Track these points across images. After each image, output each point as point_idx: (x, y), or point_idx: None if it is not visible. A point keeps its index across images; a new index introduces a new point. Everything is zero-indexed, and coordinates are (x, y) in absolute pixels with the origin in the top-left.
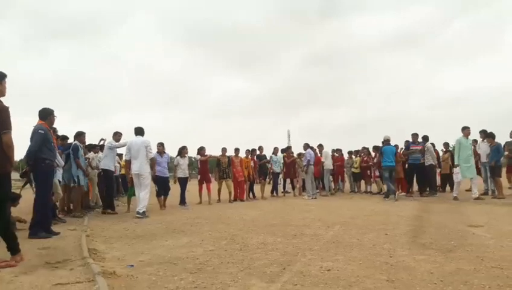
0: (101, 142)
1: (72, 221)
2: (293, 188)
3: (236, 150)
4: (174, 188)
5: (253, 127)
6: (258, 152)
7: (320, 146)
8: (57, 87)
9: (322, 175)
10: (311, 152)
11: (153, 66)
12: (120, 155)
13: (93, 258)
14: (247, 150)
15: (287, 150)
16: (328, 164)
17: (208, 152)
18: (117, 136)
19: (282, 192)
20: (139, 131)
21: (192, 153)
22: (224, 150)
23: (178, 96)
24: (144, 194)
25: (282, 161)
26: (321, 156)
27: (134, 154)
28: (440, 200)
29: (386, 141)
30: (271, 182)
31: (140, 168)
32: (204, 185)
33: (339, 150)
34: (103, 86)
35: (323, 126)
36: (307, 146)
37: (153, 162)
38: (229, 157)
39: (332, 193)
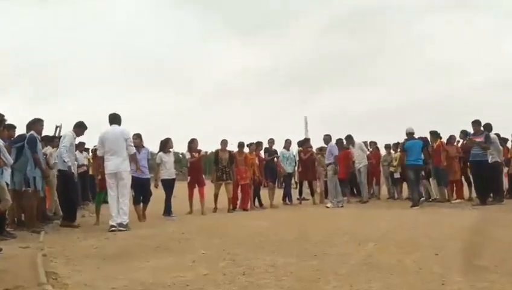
0: (57, 132)
1: (25, 236)
2: (312, 193)
3: (241, 145)
4: (157, 194)
5: (260, 114)
6: (266, 146)
7: (350, 138)
8: (3, 58)
9: (350, 177)
10: (335, 146)
11: (132, 33)
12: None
13: (53, 284)
14: (251, 144)
15: (304, 144)
16: (361, 159)
17: (201, 147)
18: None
19: (297, 199)
20: (115, 119)
21: (180, 147)
22: (224, 143)
23: (163, 72)
24: (125, 201)
25: (296, 158)
26: (348, 149)
27: (110, 148)
28: (508, 208)
29: (410, 134)
30: (282, 185)
31: (119, 166)
32: (196, 189)
33: (372, 143)
34: (67, 58)
35: (349, 111)
36: (329, 138)
37: (134, 159)
38: (230, 152)
39: (365, 201)
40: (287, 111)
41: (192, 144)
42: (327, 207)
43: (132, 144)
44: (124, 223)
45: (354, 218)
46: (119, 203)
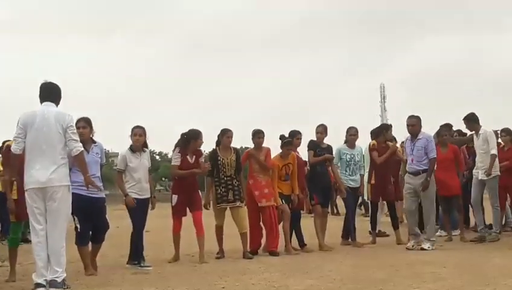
0: None
1: None
2: (395, 224)
3: (258, 135)
4: (117, 223)
5: (302, 80)
6: (311, 138)
7: (471, 121)
8: None
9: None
10: (432, 139)
11: None
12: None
13: None
14: (283, 137)
15: (380, 135)
16: (486, 162)
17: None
18: None
19: (369, 233)
20: (51, 92)
21: (164, 144)
22: (227, 135)
23: (131, 14)
24: (58, 238)
25: (366, 158)
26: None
27: (36, 145)
28: None
29: None
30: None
31: (50, 177)
32: (186, 218)
33: (506, 131)
34: None
35: (461, 72)
36: (418, 123)
37: (81, 164)
38: (237, 151)
39: (486, 238)
40: (350, 76)
41: (195, 139)
42: (423, 249)
43: (77, 138)
44: (58, 279)
45: (466, 270)
46: (49, 245)
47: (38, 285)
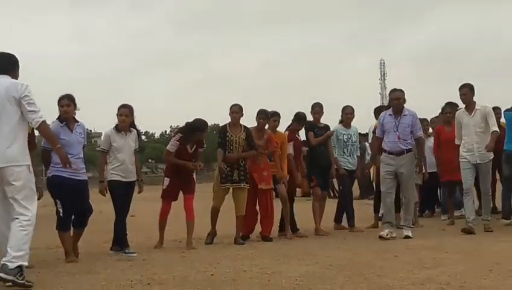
0: None
1: None
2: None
3: (263, 116)
4: (101, 207)
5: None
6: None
7: (473, 93)
8: None
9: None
10: (417, 115)
11: None
12: None
13: None
14: (274, 114)
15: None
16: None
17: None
18: None
19: (378, 218)
20: (2, 63)
21: (151, 124)
22: (236, 110)
23: None
24: (23, 222)
25: (367, 142)
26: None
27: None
28: None
29: None
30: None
31: (8, 155)
32: (176, 203)
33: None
34: None
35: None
36: (401, 98)
37: (45, 133)
38: (247, 129)
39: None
40: (348, 51)
41: (202, 132)
42: (407, 236)
43: (34, 108)
44: (11, 266)
45: (471, 256)
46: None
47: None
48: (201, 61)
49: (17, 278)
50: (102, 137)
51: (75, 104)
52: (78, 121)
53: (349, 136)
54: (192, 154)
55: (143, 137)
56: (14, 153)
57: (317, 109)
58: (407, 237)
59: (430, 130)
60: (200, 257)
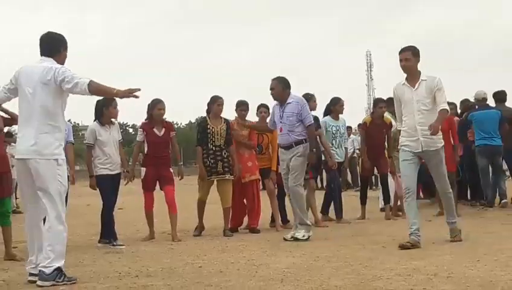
0: None
1: None
2: (385, 198)
3: (242, 107)
4: (88, 200)
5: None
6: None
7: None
8: None
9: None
10: (305, 101)
11: None
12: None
13: None
14: (262, 107)
15: (374, 105)
16: None
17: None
18: None
19: (362, 206)
20: (47, 44)
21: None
22: (217, 102)
23: None
24: (51, 221)
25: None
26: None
27: (21, 107)
28: None
29: (481, 101)
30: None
31: (34, 147)
32: (157, 194)
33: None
34: None
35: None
36: None
37: (105, 89)
38: (227, 121)
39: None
40: (335, 43)
41: (153, 108)
42: (296, 238)
43: (75, 80)
44: (47, 271)
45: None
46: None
47: (31, 275)
48: (197, 55)
49: (57, 282)
50: (87, 131)
51: None
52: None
53: (337, 127)
54: (163, 138)
55: (130, 130)
56: (43, 142)
57: (309, 97)
58: (296, 239)
59: None
60: (188, 249)
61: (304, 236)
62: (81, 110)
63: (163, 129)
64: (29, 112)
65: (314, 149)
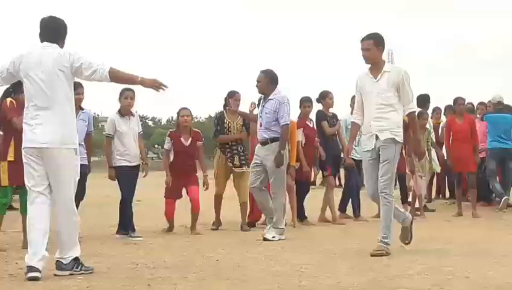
0: None
1: None
2: (404, 198)
3: (235, 97)
4: (107, 191)
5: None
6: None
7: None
8: None
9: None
10: (285, 100)
11: None
12: None
13: None
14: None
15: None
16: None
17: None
18: None
19: (404, 206)
20: (51, 30)
21: (157, 110)
22: (234, 97)
23: None
24: (68, 210)
25: None
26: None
27: (31, 94)
28: None
29: (497, 105)
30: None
31: (54, 135)
32: (180, 199)
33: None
34: None
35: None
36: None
37: (126, 76)
38: (245, 116)
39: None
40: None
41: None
42: (266, 239)
43: (94, 67)
44: (65, 261)
45: (473, 247)
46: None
47: (31, 269)
48: (204, 45)
49: (74, 271)
50: (107, 122)
51: (82, 92)
52: (83, 109)
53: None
54: (190, 148)
55: (149, 122)
56: (67, 134)
57: (322, 95)
58: (265, 239)
59: (443, 118)
60: (205, 243)
61: (273, 237)
62: (99, 100)
63: (190, 138)
64: (46, 101)
65: (283, 151)
